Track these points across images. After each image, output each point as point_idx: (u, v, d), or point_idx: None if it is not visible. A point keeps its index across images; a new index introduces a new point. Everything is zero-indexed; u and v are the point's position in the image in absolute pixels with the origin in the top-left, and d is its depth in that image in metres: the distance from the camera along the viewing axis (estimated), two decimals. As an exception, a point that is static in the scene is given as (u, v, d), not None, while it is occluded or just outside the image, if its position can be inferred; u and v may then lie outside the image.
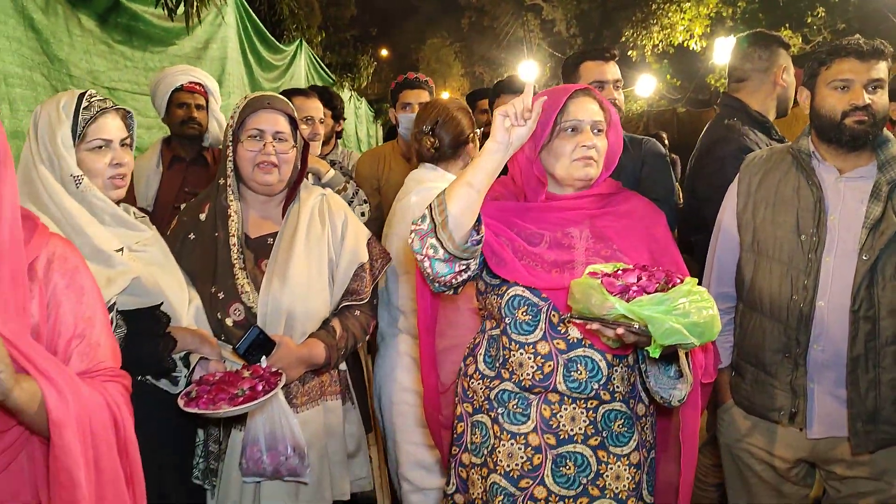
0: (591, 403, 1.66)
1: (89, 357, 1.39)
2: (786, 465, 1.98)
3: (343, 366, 2.15)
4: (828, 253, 1.86)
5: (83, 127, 1.76)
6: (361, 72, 12.57)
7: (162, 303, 1.79)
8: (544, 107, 1.60)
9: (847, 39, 1.89)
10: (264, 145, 1.98)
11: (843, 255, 1.84)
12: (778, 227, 1.92)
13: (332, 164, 3.19)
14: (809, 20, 11.36)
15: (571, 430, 1.65)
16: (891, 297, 1.80)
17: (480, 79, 21.11)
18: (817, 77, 1.93)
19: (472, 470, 1.76)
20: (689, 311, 1.36)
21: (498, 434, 1.69)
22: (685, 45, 12.78)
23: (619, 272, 1.46)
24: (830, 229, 1.87)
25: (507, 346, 1.69)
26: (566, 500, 1.64)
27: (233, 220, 2.00)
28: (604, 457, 1.66)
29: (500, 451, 1.68)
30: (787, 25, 11.25)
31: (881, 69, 1.85)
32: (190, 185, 2.98)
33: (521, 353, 1.67)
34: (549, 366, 1.64)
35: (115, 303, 1.71)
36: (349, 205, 2.41)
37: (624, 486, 1.66)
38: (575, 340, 1.64)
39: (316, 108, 3.04)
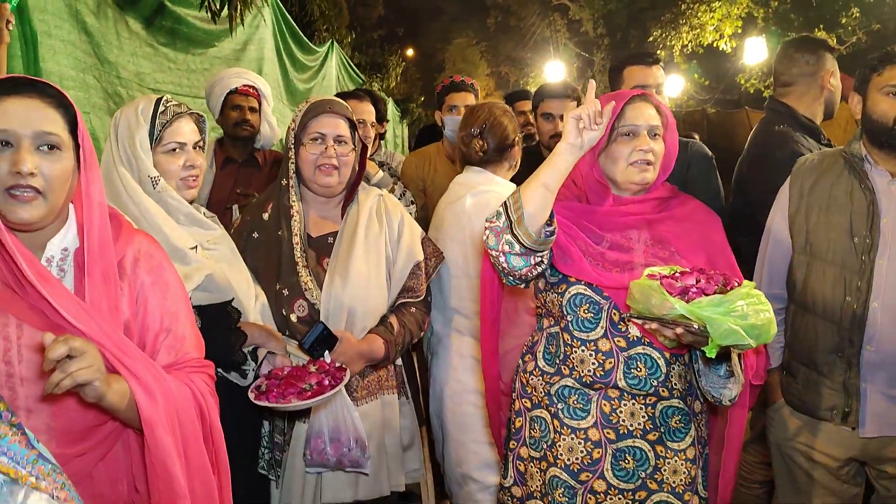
0: (650, 399, 1.70)
1: (176, 350, 1.46)
2: (836, 463, 2.01)
3: (399, 361, 2.22)
4: (881, 255, 1.89)
5: (160, 130, 1.84)
6: (390, 72, 12.64)
7: (233, 298, 1.86)
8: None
9: None
10: (325, 148, 2.05)
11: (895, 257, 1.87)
12: (831, 230, 1.95)
13: (381, 165, 3.26)
14: (844, 20, 11.22)
15: (631, 425, 1.70)
16: (944, 299, 1.82)
17: (506, 79, 21.04)
18: (869, 83, 1.96)
19: (531, 463, 1.81)
20: (748, 313, 1.41)
21: (558, 429, 1.74)
22: (714, 45, 12.68)
23: (677, 274, 1.51)
24: (883, 232, 1.89)
25: (569, 342, 1.74)
26: (625, 494, 1.69)
27: (295, 220, 2.07)
28: (662, 452, 1.71)
29: (560, 446, 1.73)
30: (821, 26, 11.12)
31: None
32: (241, 185, 3.05)
33: (583, 350, 1.72)
34: (610, 362, 1.69)
35: (189, 298, 1.79)
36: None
37: (681, 480, 1.71)
38: (635, 338, 1.69)
39: (369, 111, 3.10)
